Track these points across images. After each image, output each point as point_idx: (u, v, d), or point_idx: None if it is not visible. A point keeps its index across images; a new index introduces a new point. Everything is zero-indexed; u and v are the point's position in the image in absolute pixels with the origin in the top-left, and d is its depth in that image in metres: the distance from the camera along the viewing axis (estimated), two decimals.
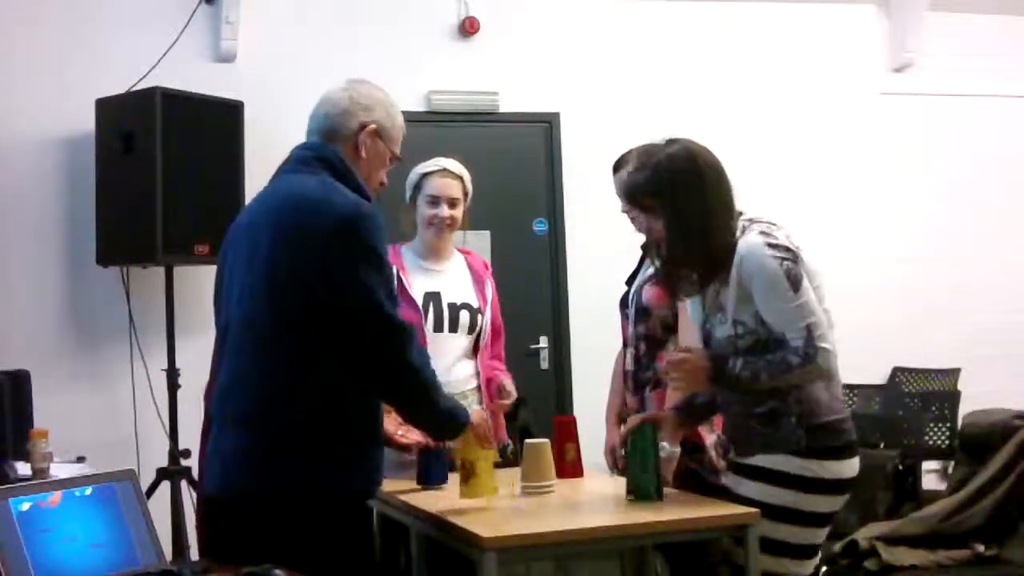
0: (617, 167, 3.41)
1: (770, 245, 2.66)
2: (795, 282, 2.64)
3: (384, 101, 2.65)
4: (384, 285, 2.44)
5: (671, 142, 2.83)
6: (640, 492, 2.79)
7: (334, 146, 2.57)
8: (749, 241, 2.69)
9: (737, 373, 2.69)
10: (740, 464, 2.79)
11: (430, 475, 3.09)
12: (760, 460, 2.72)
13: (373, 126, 2.59)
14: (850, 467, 2.72)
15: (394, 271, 3.42)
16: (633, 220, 3.40)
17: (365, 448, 2.47)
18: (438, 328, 3.42)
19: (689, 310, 2.94)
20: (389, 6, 5.86)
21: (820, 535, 2.75)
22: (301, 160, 2.58)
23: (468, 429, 2.67)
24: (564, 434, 3.25)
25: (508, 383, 3.43)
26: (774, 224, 2.76)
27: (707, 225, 2.72)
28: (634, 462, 2.81)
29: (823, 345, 2.63)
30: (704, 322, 2.84)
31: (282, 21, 5.68)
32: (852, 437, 2.74)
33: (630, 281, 3.45)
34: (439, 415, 2.60)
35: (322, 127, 2.60)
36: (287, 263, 2.41)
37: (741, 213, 2.78)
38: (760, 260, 2.66)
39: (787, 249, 2.67)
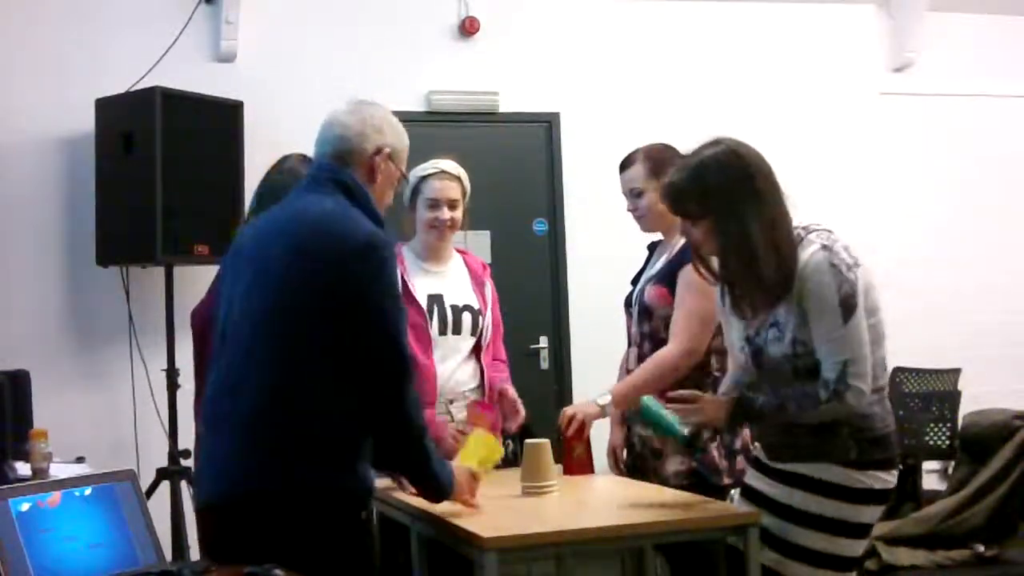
0: (623, 166, 3.40)
1: (832, 264, 2.52)
2: (848, 311, 2.50)
3: (392, 122, 2.65)
4: (396, 315, 2.45)
5: (714, 142, 2.67)
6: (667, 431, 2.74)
7: (349, 169, 2.56)
8: (811, 257, 2.53)
9: (760, 407, 2.62)
10: (773, 469, 2.71)
11: None
12: (803, 468, 2.63)
13: (388, 149, 2.59)
14: (894, 477, 2.66)
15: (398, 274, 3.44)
16: (638, 219, 3.41)
17: (361, 451, 2.45)
18: (442, 331, 3.42)
19: (720, 317, 2.85)
20: (389, 6, 5.86)
21: (860, 547, 2.68)
22: (318, 180, 2.57)
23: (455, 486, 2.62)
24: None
25: (515, 398, 3.43)
26: (831, 233, 2.61)
27: (774, 238, 2.54)
28: (654, 426, 2.79)
29: (856, 384, 2.50)
30: (755, 334, 2.66)
31: (282, 21, 5.68)
32: (897, 449, 2.67)
33: (636, 280, 3.45)
34: (427, 473, 2.55)
35: (337, 150, 2.57)
36: (298, 278, 2.41)
37: (809, 224, 2.65)
38: (820, 281, 2.51)
39: (848, 268, 2.52)
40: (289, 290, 2.41)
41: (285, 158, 3.26)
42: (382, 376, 2.42)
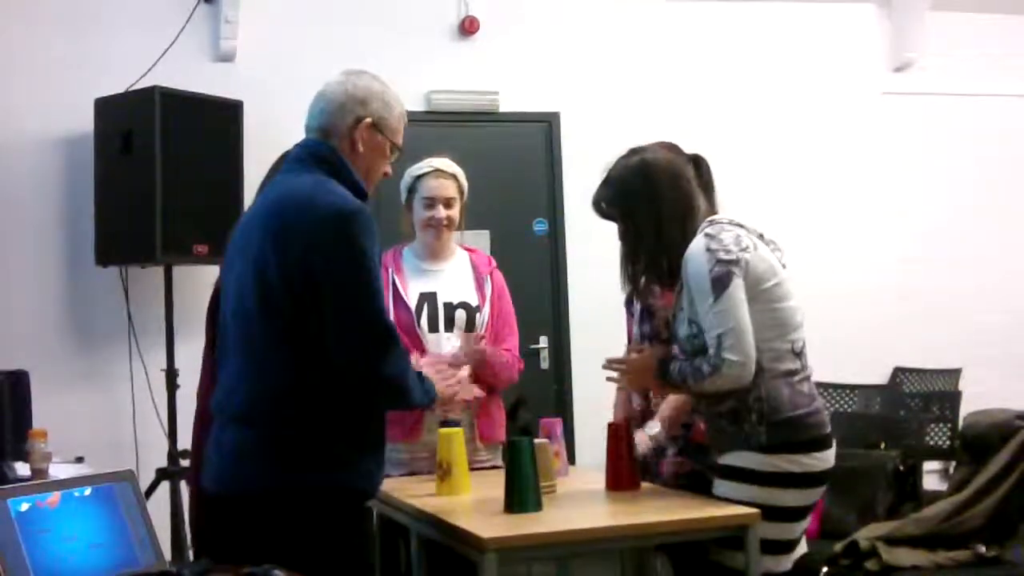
0: None
1: (708, 249, 2.73)
2: (719, 288, 2.69)
3: (380, 92, 2.60)
4: (368, 285, 2.38)
5: (632, 152, 2.98)
6: (518, 504, 2.72)
7: (331, 142, 2.54)
8: (693, 244, 2.78)
9: (674, 376, 2.81)
10: (716, 464, 2.84)
11: None
12: (728, 458, 2.77)
13: (369, 120, 2.55)
14: (820, 460, 2.74)
15: (390, 273, 3.43)
16: None
17: (362, 448, 2.46)
18: (433, 328, 3.42)
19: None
20: (389, 6, 5.86)
21: (793, 530, 2.77)
22: (296, 159, 2.57)
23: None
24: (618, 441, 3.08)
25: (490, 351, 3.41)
26: (734, 225, 2.80)
27: (660, 234, 2.86)
28: (512, 476, 2.74)
29: (730, 356, 2.67)
30: (672, 320, 2.93)
31: (282, 21, 5.68)
32: (821, 432, 2.76)
33: None
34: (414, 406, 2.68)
35: (319, 123, 2.57)
36: (275, 263, 2.39)
37: (713, 218, 2.84)
38: (694, 263, 2.75)
39: (726, 252, 2.72)
40: (269, 279, 2.40)
41: (287, 153, 3.25)
42: (355, 353, 2.36)
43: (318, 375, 2.39)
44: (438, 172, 3.48)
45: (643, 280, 2.98)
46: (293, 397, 2.39)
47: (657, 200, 2.87)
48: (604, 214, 3.03)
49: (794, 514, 2.75)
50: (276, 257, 2.39)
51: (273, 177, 3.16)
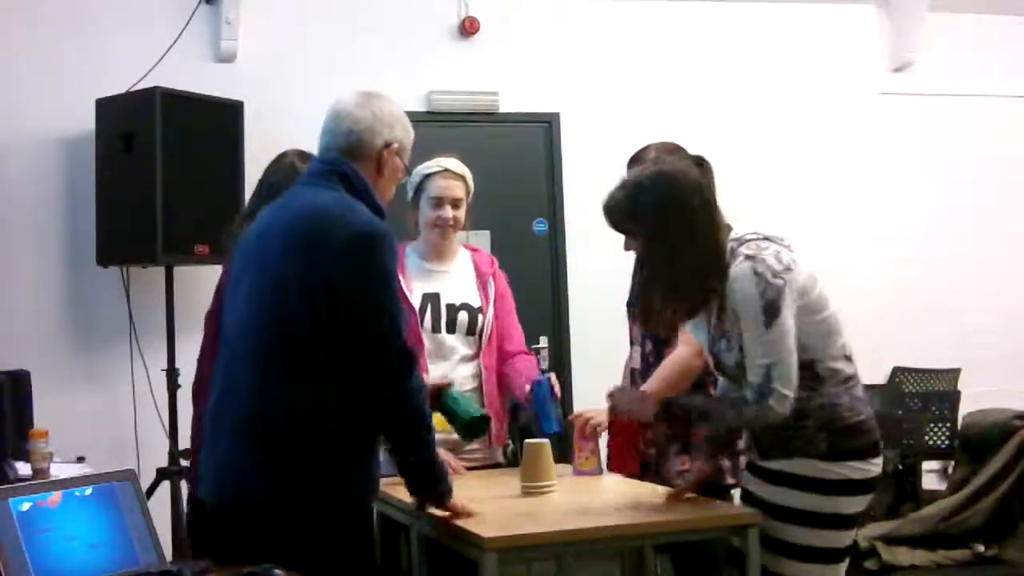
0: (633, 162, 3.38)
1: (756, 272, 2.56)
2: (770, 316, 2.54)
3: (401, 117, 2.64)
4: (393, 307, 2.44)
5: (653, 162, 2.84)
6: (467, 429, 2.91)
7: (354, 163, 2.55)
8: (737, 269, 2.59)
9: (687, 410, 2.73)
10: (761, 468, 2.74)
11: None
12: (781, 464, 2.67)
13: (396, 144, 2.60)
14: (875, 466, 2.68)
15: None
16: None
17: (361, 458, 2.46)
18: (436, 329, 3.42)
19: (690, 328, 2.89)
20: (389, 6, 5.86)
21: (846, 538, 2.70)
22: (319, 174, 2.57)
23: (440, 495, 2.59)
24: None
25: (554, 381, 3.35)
26: (765, 239, 2.65)
27: (698, 263, 2.61)
28: (451, 419, 2.90)
29: (780, 388, 2.54)
30: (711, 346, 2.74)
31: (282, 21, 5.68)
32: (876, 436, 2.69)
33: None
34: (429, 460, 2.52)
35: (346, 143, 2.57)
36: (296, 274, 2.41)
37: (731, 228, 2.69)
38: (742, 289, 2.56)
39: (774, 274, 2.55)
40: (286, 291, 2.41)
41: (283, 154, 3.30)
42: (379, 372, 2.41)
43: (318, 384, 2.39)
44: (447, 172, 3.47)
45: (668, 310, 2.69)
46: (292, 406, 2.40)
47: (691, 220, 2.61)
48: (620, 229, 2.76)
49: (852, 520, 2.69)
50: (298, 274, 2.41)
51: (268, 178, 3.23)
